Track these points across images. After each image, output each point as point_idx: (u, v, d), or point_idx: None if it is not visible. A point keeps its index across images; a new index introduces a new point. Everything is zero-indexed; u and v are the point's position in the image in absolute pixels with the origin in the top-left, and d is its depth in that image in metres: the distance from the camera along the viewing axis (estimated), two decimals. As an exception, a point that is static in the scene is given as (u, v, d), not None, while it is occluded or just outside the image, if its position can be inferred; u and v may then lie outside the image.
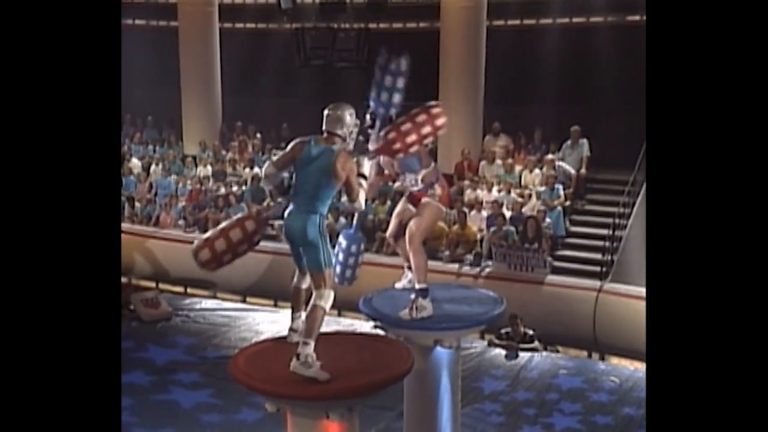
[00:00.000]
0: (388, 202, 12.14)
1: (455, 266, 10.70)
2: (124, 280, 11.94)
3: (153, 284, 11.90)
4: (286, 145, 14.95)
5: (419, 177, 5.13)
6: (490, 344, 8.91)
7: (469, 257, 10.81)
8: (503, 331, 8.87)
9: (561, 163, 11.86)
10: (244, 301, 11.20)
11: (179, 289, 11.78)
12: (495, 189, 11.84)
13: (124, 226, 12.50)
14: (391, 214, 12.14)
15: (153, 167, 13.99)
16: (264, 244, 12.14)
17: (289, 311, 10.64)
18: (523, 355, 8.53)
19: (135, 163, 14.13)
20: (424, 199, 5.12)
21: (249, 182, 13.14)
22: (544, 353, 8.82)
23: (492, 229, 10.74)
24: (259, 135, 14.51)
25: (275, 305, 10.83)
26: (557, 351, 9.25)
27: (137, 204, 13.10)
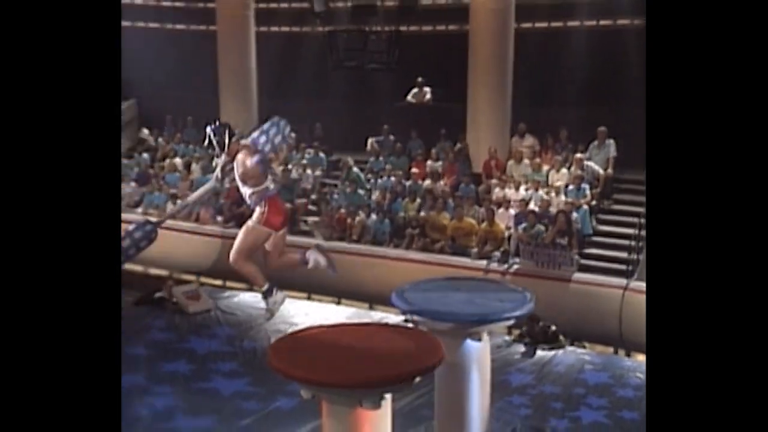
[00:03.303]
0: (418, 200, 12.20)
1: (483, 263, 10.72)
2: (165, 273, 12.14)
3: (193, 278, 12.07)
4: (320, 144, 15.03)
5: (249, 192, 5.45)
6: (516, 340, 8.89)
7: (497, 254, 10.80)
8: (521, 329, 8.82)
9: (589, 163, 11.80)
10: (278, 294, 11.29)
11: (218, 282, 11.92)
12: (522, 188, 11.82)
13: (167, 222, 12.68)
14: (419, 212, 12.25)
15: (193, 166, 14.18)
16: (299, 239, 12.31)
17: (322, 304, 10.71)
18: (543, 353, 8.49)
19: (177, 161, 14.32)
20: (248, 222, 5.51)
21: (284, 179, 13.29)
22: (570, 348, 8.78)
23: (523, 226, 10.72)
24: (293, 134, 14.60)
25: (309, 298, 10.92)
26: (583, 347, 9.20)
27: (179, 201, 13.28)
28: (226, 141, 5.51)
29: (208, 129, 5.57)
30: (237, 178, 5.49)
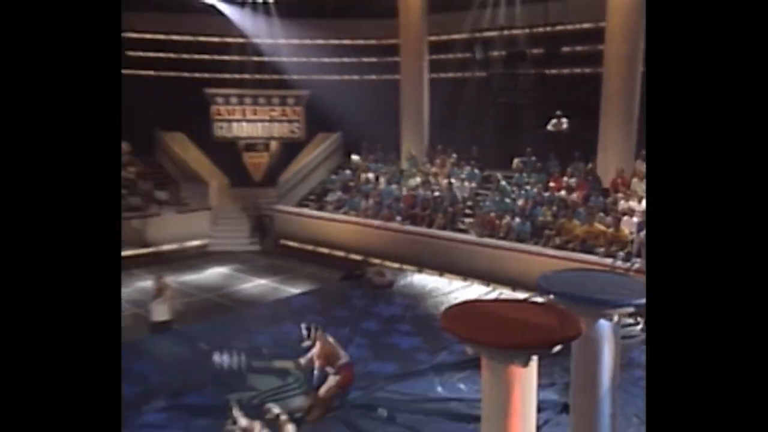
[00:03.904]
0: (554, 208, 11.78)
1: (609, 260, 10.10)
2: (361, 257, 12.72)
3: (379, 261, 12.45)
4: (476, 162, 14.88)
5: (328, 369, 5.87)
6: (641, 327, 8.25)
7: (621, 254, 10.14)
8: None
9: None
10: (441, 276, 11.41)
11: (396, 265, 12.22)
12: (644, 201, 11.00)
13: (361, 220, 13.29)
14: (555, 217, 11.79)
15: (381, 179, 14.69)
16: (457, 236, 12.22)
17: (475, 285, 10.57)
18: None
19: (370, 176, 14.88)
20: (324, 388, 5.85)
21: (447, 189, 13.41)
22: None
23: (645, 231, 9.99)
24: (454, 155, 14.71)
25: (465, 279, 10.92)
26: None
27: (371, 200, 13.84)
28: (311, 333, 5.95)
29: (302, 326, 6.11)
30: (315, 357, 5.87)
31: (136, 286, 11.54)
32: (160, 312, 7.96)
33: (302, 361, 5.96)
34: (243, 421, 4.82)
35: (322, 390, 5.89)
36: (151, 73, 16.21)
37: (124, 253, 13.29)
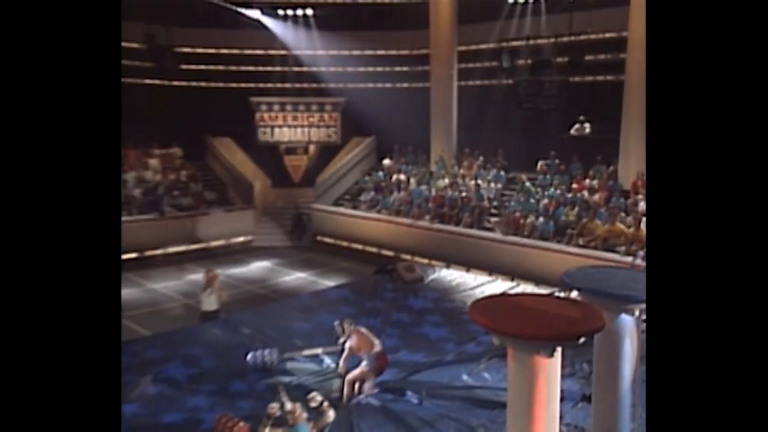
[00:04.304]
0: (576, 208, 11.54)
1: (629, 259, 9.84)
2: (392, 253, 12.70)
3: (410, 257, 12.44)
4: (501, 165, 14.73)
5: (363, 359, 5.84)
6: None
7: (641, 253, 9.87)
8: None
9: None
10: (468, 272, 11.30)
11: (426, 261, 12.19)
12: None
13: (392, 218, 13.26)
14: (579, 218, 11.53)
15: (411, 180, 14.69)
16: (484, 234, 12.07)
17: (501, 281, 10.45)
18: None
19: (402, 177, 14.87)
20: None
21: (474, 190, 13.29)
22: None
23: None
24: (481, 158, 14.58)
25: (490, 275, 10.81)
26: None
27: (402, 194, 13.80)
28: (345, 328, 5.97)
29: (335, 323, 6.12)
30: (351, 348, 5.88)
31: (187, 279, 11.82)
32: (210, 302, 8.14)
33: (341, 362, 6.00)
34: (289, 405, 4.91)
35: (355, 372, 5.95)
36: (203, 84, 16.60)
37: (177, 248, 13.68)
